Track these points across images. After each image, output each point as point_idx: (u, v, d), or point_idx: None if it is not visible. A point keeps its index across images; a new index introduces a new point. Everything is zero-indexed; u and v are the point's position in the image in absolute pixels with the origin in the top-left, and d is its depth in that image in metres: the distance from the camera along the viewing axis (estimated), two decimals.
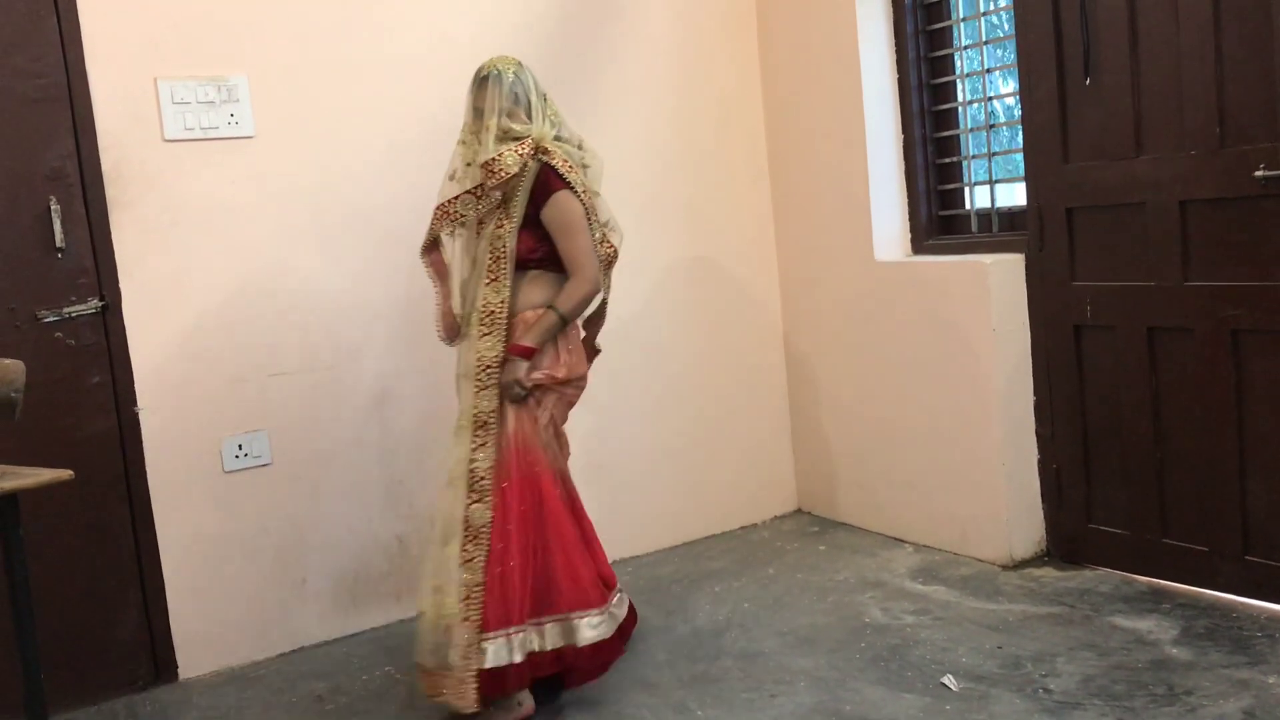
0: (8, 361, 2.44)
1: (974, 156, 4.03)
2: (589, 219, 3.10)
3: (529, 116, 3.08)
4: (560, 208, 3.03)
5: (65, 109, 3.27)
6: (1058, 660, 3.02)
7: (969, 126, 4.03)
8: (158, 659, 3.46)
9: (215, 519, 3.53)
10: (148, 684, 3.45)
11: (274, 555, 3.63)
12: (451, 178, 3.11)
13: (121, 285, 3.37)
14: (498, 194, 3.04)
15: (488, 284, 3.02)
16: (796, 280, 4.51)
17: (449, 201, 3.09)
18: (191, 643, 3.50)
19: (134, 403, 3.40)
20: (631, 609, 3.27)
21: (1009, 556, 3.75)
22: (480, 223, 3.11)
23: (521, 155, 3.00)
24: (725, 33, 4.43)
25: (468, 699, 2.85)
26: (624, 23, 4.21)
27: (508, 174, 2.98)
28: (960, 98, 4.04)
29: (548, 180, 3.03)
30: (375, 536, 3.80)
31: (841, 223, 4.22)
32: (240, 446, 3.56)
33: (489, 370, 2.98)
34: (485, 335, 3.00)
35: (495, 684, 2.86)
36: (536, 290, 3.06)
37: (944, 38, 4.05)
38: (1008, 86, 3.98)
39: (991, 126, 3.95)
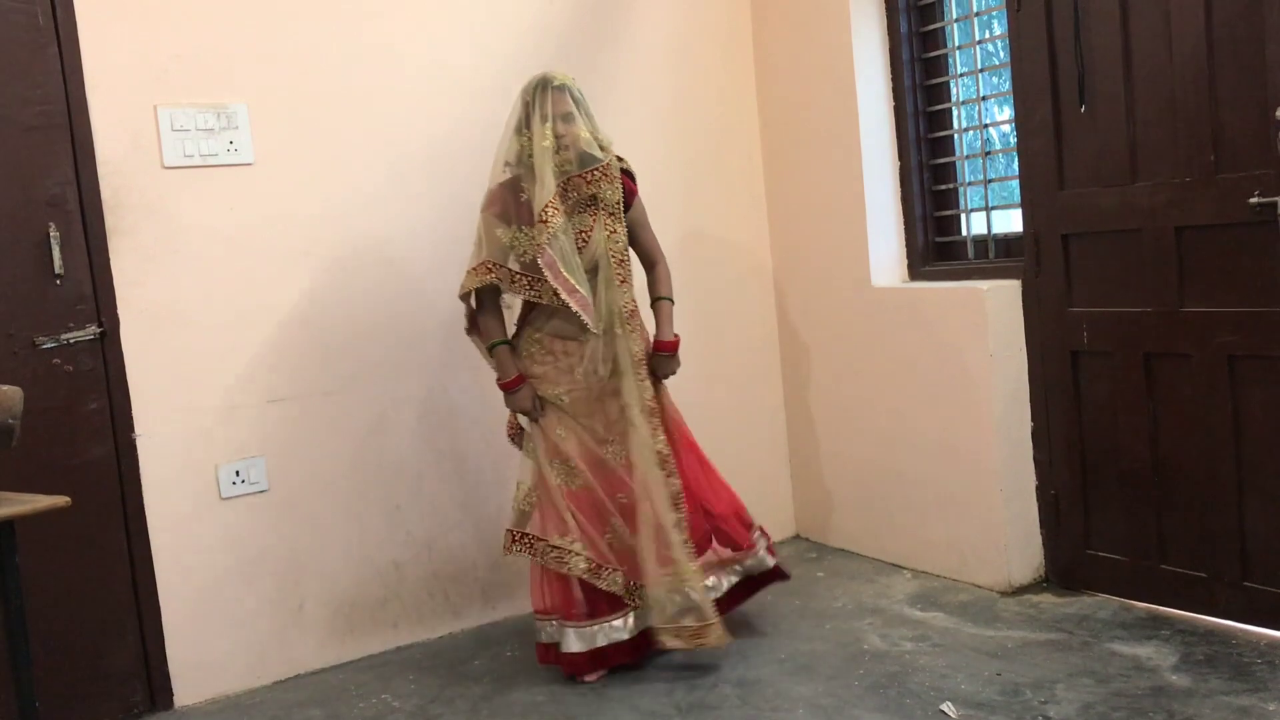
0: (5, 388, 2.44)
1: (970, 183, 4.04)
2: None
3: (594, 125, 3.41)
4: (641, 207, 3.55)
5: (65, 136, 3.29)
6: (1057, 687, 3.01)
7: (965, 153, 4.06)
8: (153, 686, 3.44)
9: (212, 546, 3.52)
10: (143, 711, 3.43)
11: (271, 582, 3.62)
12: (541, 184, 3.29)
13: (120, 312, 3.38)
14: (580, 194, 3.35)
15: (620, 285, 3.39)
16: (793, 306, 4.52)
17: (550, 204, 3.27)
18: (187, 670, 3.49)
19: (131, 429, 3.40)
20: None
21: (1007, 583, 3.74)
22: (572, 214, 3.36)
23: (618, 159, 3.43)
24: (720, 60, 4.46)
25: (723, 633, 3.34)
26: (620, 54, 4.24)
27: (616, 176, 3.38)
28: (956, 125, 4.06)
29: (629, 185, 3.48)
30: (373, 563, 3.79)
31: (838, 249, 4.23)
32: (237, 473, 3.55)
33: (642, 363, 3.43)
34: (632, 333, 3.42)
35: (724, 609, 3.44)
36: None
37: (940, 65, 4.08)
38: (1003, 114, 4.00)
39: (988, 153, 3.97)
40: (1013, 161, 3.79)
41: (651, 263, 3.61)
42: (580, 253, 3.33)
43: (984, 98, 3.97)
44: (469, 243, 3.88)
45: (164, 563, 3.45)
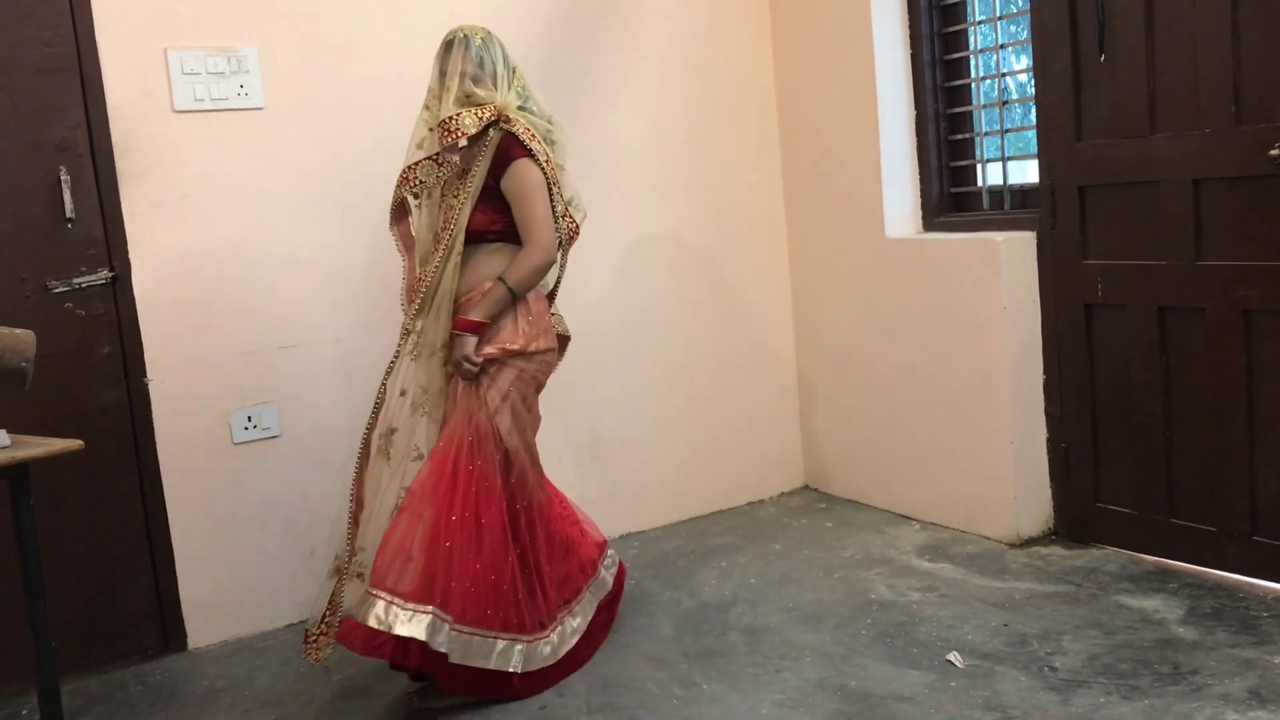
0: (18, 331, 2.45)
1: (986, 133, 4.00)
2: (550, 190, 3.04)
3: (494, 85, 3.03)
4: (518, 175, 2.97)
5: (75, 79, 3.27)
6: (1064, 638, 3.03)
7: (982, 103, 4.01)
8: (167, 628, 3.49)
9: (224, 490, 3.55)
10: (157, 653, 3.48)
11: (283, 527, 3.64)
12: (419, 146, 3.04)
13: (131, 256, 3.38)
14: (456, 160, 3.00)
15: (435, 255, 3.00)
16: (806, 257, 4.50)
17: (410, 167, 3.03)
18: (200, 612, 3.53)
19: (143, 374, 3.41)
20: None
21: (1016, 535, 3.75)
22: (443, 195, 3.06)
23: (481, 119, 2.95)
24: (737, 8, 4.40)
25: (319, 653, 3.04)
26: (634, 4, 4.18)
27: (464, 134, 2.93)
28: (973, 74, 4.01)
29: (508, 148, 2.98)
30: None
31: (852, 199, 4.20)
32: (249, 418, 3.57)
33: (421, 347, 3.01)
34: (420, 313, 3.00)
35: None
36: (495, 263, 3.02)
37: (958, 13, 4.02)
38: (1021, 63, 3.95)
39: (1005, 103, 3.93)
40: (1030, 111, 3.75)
41: (523, 242, 3.01)
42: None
43: (1002, 46, 3.91)
44: None
45: (177, 507, 3.48)
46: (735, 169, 4.44)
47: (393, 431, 3.05)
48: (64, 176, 3.26)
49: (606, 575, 3.30)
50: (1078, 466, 3.68)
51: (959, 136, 4.09)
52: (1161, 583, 3.33)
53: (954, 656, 2.98)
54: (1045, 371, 3.73)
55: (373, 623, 2.78)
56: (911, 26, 4.06)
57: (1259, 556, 3.20)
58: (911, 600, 3.40)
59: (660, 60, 4.24)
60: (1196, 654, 2.87)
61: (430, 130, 3.02)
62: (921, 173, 4.13)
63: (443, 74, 3.03)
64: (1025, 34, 3.74)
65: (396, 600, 2.79)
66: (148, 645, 3.46)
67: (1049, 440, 3.76)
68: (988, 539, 3.83)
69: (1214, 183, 3.17)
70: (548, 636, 3.02)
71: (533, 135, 3.01)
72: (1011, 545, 3.75)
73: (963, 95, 4.07)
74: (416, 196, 3.07)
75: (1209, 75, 3.13)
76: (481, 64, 3.02)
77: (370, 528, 3.03)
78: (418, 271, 3.05)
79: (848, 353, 4.35)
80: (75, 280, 3.30)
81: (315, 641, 3.03)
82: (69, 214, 3.27)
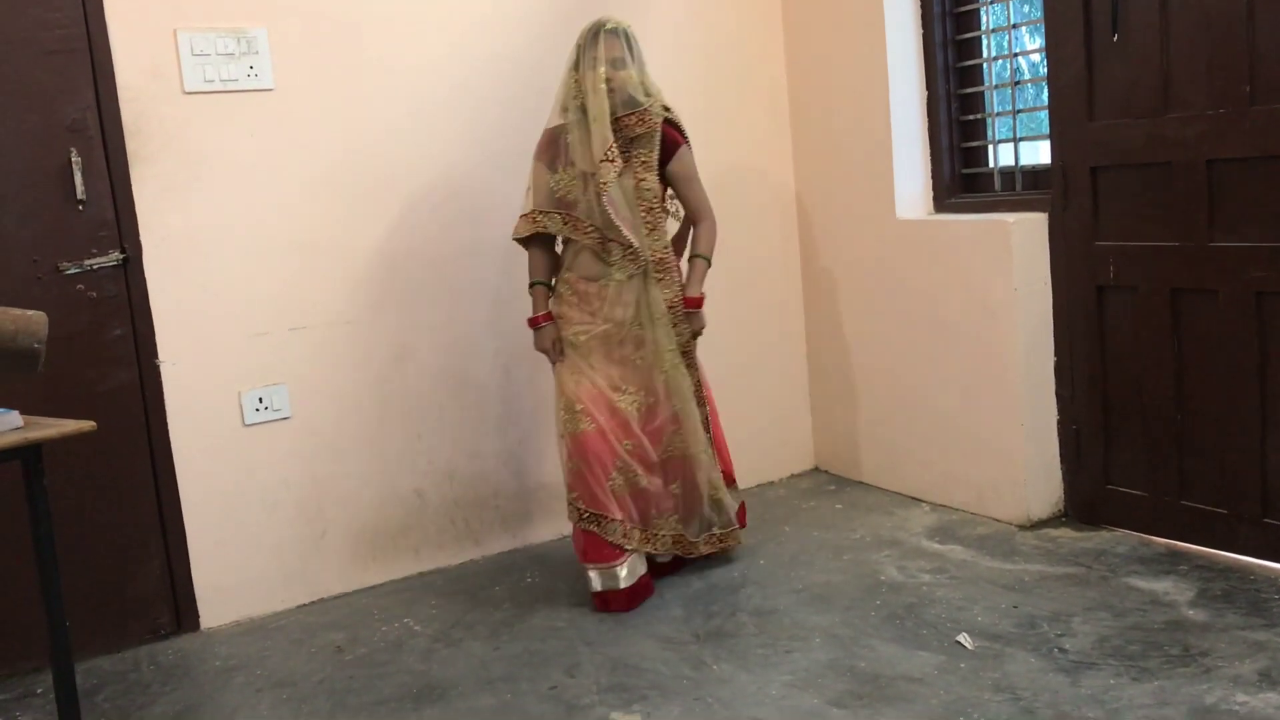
0: (31, 313, 2.45)
1: (998, 114, 3.98)
2: None
3: (645, 75, 3.41)
4: (685, 159, 3.46)
5: (85, 60, 3.27)
6: (1073, 620, 3.03)
7: (994, 83, 3.99)
8: (179, 609, 3.51)
9: (236, 472, 3.56)
10: (169, 633, 3.50)
11: (294, 508, 3.66)
12: (595, 120, 3.33)
13: (142, 238, 3.38)
14: (654, 149, 3.37)
15: (649, 234, 3.37)
16: (817, 237, 4.49)
17: (612, 145, 3.31)
18: (212, 593, 3.54)
19: (155, 355, 3.42)
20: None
21: (1026, 517, 3.75)
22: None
23: (661, 109, 3.38)
24: None
25: (740, 536, 3.70)
26: None
27: (655, 125, 3.35)
28: (985, 54, 3.99)
29: (673, 135, 3.42)
30: (394, 490, 3.83)
31: (863, 180, 4.18)
32: (260, 400, 3.58)
33: (676, 311, 3.43)
34: (661, 280, 3.41)
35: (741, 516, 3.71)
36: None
37: None
38: (1034, 43, 3.93)
39: (1017, 83, 3.90)
40: (1042, 92, 3.73)
41: (695, 219, 3.52)
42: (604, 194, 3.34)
43: (1014, 26, 3.89)
44: (492, 173, 3.88)
45: (189, 488, 3.49)
46: (745, 150, 4.42)
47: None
48: (75, 158, 3.26)
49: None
50: (1088, 448, 3.67)
51: (970, 117, 4.07)
52: (1172, 565, 3.33)
53: (963, 638, 2.98)
54: (1056, 353, 3.72)
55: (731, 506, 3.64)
56: (923, 6, 4.04)
57: (1270, 539, 3.20)
58: (921, 582, 3.40)
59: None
60: (1207, 636, 2.86)
61: (606, 113, 3.31)
62: (933, 153, 4.11)
63: (606, 60, 3.33)
64: (1038, 13, 3.72)
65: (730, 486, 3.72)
66: (160, 625, 3.49)
67: (1059, 422, 3.75)
68: (998, 521, 3.83)
69: (1227, 163, 3.15)
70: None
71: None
72: (1021, 527, 3.75)
73: (974, 75, 4.05)
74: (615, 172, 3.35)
75: (1223, 55, 3.11)
76: (636, 55, 3.40)
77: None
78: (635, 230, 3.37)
79: (858, 334, 4.35)
80: (87, 262, 3.30)
81: (719, 535, 3.62)
82: (80, 196, 3.27)
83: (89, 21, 3.26)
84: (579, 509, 3.39)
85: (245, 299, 3.55)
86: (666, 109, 3.42)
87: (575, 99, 3.38)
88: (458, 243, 3.85)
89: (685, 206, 3.53)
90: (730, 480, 3.69)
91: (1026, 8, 3.87)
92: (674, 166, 3.43)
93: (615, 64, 3.34)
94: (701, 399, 3.52)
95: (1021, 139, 3.89)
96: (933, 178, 4.12)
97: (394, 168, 3.75)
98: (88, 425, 2.51)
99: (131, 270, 3.37)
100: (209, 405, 3.51)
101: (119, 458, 3.38)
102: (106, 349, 3.35)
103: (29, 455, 2.43)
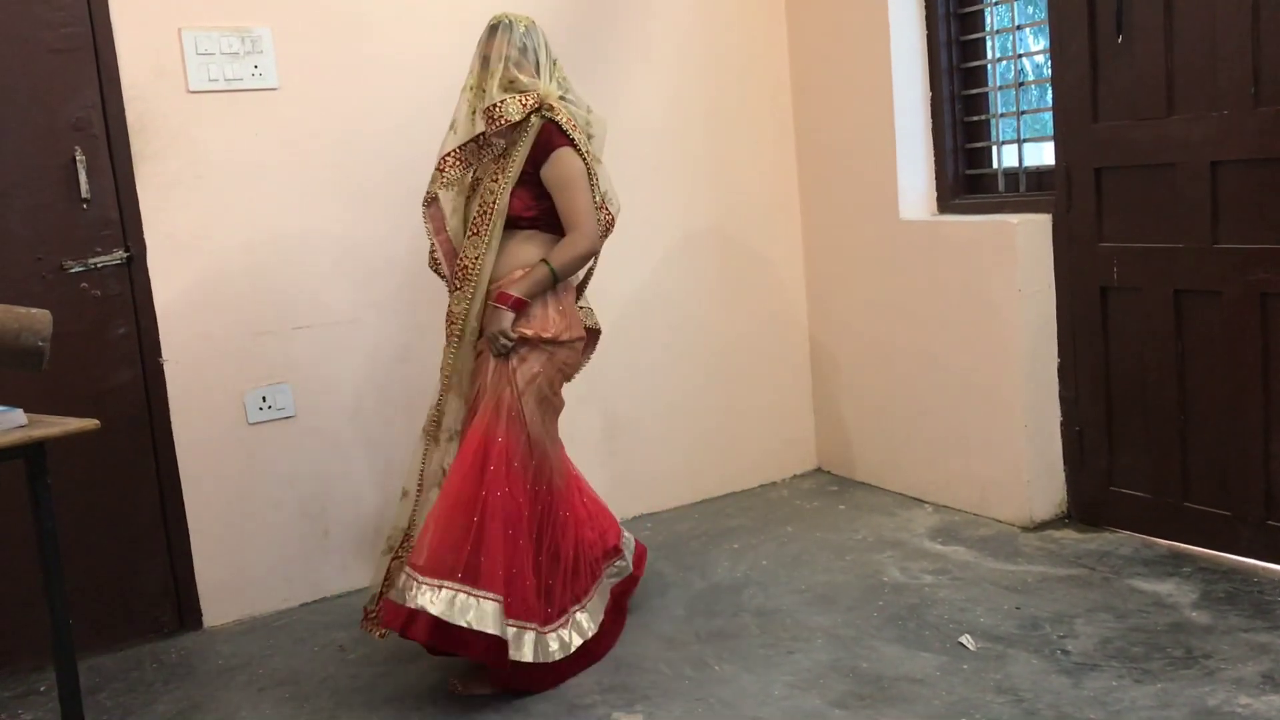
0: (35, 311, 2.45)
1: (1002, 115, 3.98)
2: (591, 180, 3.04)
3: (537, 73, 3.04)
4: (562, 164, 2.98)
5: (90, 59, 3.27)
6: (1076, 622, 3.03)
7: (998, 84, 3.98)
8: (182, 607, 3.51)
9: (239, 471, 3.56)
10: (173, 631, 3.50)
11: (297, 507, 3.66)
12: (453, 128, 3.07)
13: (146, 236, 3.39)
14: (500, 145, 2.99)
15: (469, 237, 3.01)
16: (820, 238, 4.49)
17: (452, 153, 3.04)
18: (216, 592, 3.55)
19: (159, 354, 3.43)
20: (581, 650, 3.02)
21: (1029, 518, 3.75)
22: (477, 180, 3.07)
23: (524, 106, 2.94)
24: None
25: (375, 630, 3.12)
26: None
27: (508, 121, 2.92)
28: (990, 55, 3.99)
29: (550, 137, 2.98)
30: (397, 489, 3.81)
31: (867, 180, 4.18)
32: (264, 399, 3.58)
33: (456, 326, 3.01)
34: (457, 290, 3.02)
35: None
36: (529, 249, 3.01)
37: None
38: (1038, 44, 3.93)
39: (1021, 84, 3.90)
40: (1046, 93, 3.73)
41: (567, 229, 3.01)
42: (468, 203, 3.09)
43: (1018, 27, 3.89)
44: None
45: (192, 486, 3.49)
46: (750, 151, 4.42)
47: (441, 414, 3.09)
48: (79, 157, 3.27)
49: (627, 558, 3.29)
50: (1091, 450, 3.67)
51: (975, 118, 4.07)
52: (1175, 567, 3.33)
53: (966, 639, 2.98)
54: (1060, 354, 3.72)
55: (394, 597, 2.81)
56: (927, 7, 4.04)
57: (1273, 541, 3.19)
58: (924, 583, 3.40)
59: (675, 43, 4.22)
60: (1209, 638, 2.86)
61: (473, 113, 3.02)
62: (937, 154, 4.11)
63: (485, 58, 3.03)
64: (1042, 15, 3.71)
65: (415, 575, 2.80)
66: (163, 623, 3.49)
67: (1063, 423, 3.75)
68: (1000, 522, 3.83)
69: (1232, 165, 3.14)
70: (555, 632, 2.96)
71: (574, 125, 3.02)
72: (1024, 528, 3.74)
73: (979, 76, 4.04)
74: (447, 188, 3.08)
75: (1228, 56, 3.11)
76: (524, 50, 3.03)
77: (422, 509, 3.05)
78: (458, 256, 3.06)
79: (861, 335, 4.35)
80: (91, 260, 3.31)
81: (374, 618, 3.10)
82: (84, 194, 3.28)
83: (94, 20, 3.27)
84: None
85: (249, 298, 3.55)
86: (546, 107, 2.97)
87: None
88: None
89: (560, 215, 3.02)
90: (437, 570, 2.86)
91: (1031, 9, 3.87)
92: (545, 170, 2.98)
93: (484, 62, 3.05)
94: (449, 433, 3.07)
95: (1026, 140, 3.89)
96: (937, 178, 4.12)
97: (398, 167, 3.74)
98: (91, 424, 2.52)
99: (135, 269, 3.37)
100: (212, 404, 3.51)
101: (122, 456, 3.38)
102: (110, 347, 3.35)
103: (33, 453, 2.44)
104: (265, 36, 3.51)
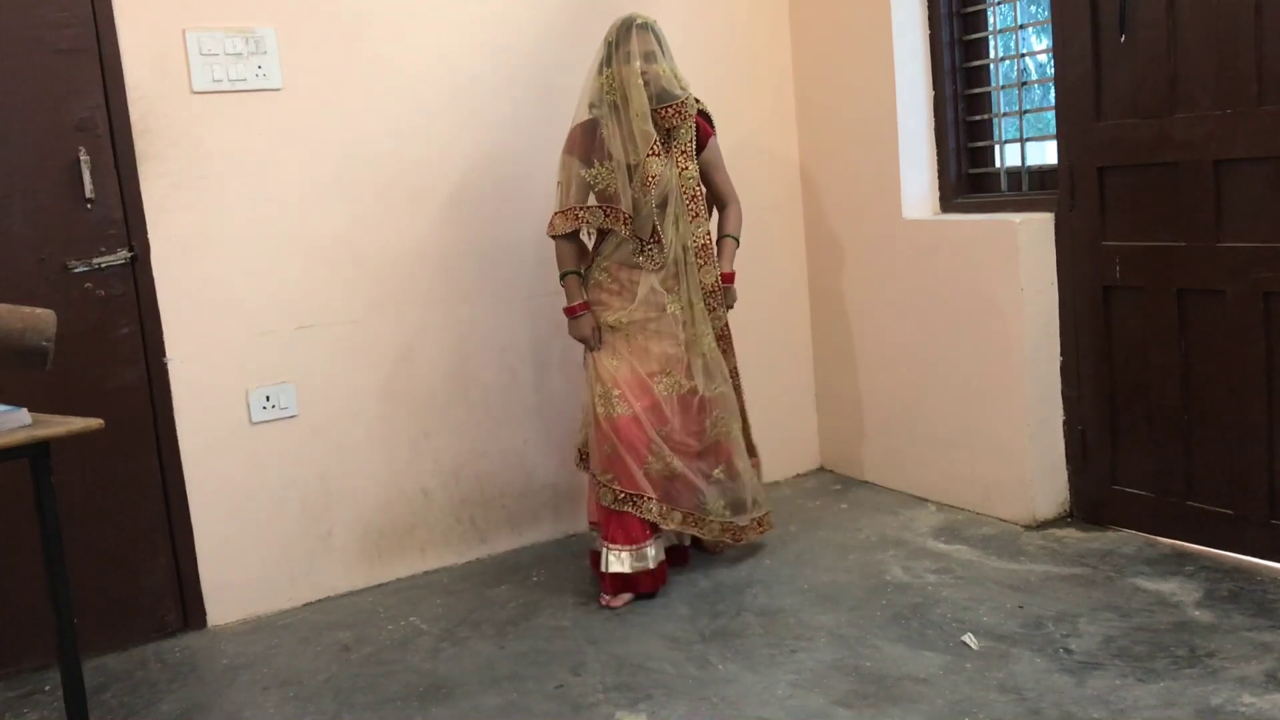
0: (39, 310, 2.45)
1: (1005, 114, 3.98)
2: None
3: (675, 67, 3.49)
4: (716, 148, 3.64)
5: (94, 60, 3.27)
6: (1079, 621, 3.03)
7: (1000, 83, 3.98)
8: (186, 606, 3.51)
9: (243, 470, 3.57)
10: (177, 631, 3.51)
11: (301, 506, 3.67)
12: (591, 108, 3.45)
13: (150, 236, 3.39)
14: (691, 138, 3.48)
15: (691, 221, 3.49)
16: (823, 237, 4.49)
17: (654, 144, 3.39)
18: (220, 591, 3.55)
19: (163, 354, 3.43)
20: None
21: (1032, 517, 3.75)
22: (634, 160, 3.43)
23: (695, 101, 3.49)
24: None
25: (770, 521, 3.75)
26: None
27: (692, 116, 3.46)
28: (992, 54, 3.99)
29: (703, 125, 3.56)
30: (401, 489, 3.83)
31: (869, 180, 4.18)
32: (267, 398, 3.59)
33: (714, 294, 3.55)
34: (704, 266, 3.53)
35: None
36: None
37: None
38: (1041, 43, 3.93)
39: (1023, 84, 3.90)
40: (1049, 92, 3.73)
41: (723, 204, 3.68)
42: (652, 187, 3.39)
43: (1021, 26, 3.89)
44: (500, 172, 3.87)
45: (196, 486, 3.50)
46: (752, 149, 4.42)
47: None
48: (83, 157, 3.27)
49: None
50: (1094, 449, 3.67)
51: (977, 117, 4.07)
52: (1178, 565, 3.33)
53: (969, 638, 2.98)
54: (1062, 353, 3.72)
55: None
56: (930, 6, 4.04)
57: (1277, 539, 3.19)
58: (927, 582, 3.40)
59: (677, 43, 4.19)
60: (1213, 637, 2.86)
61: (612, 99, 3.40)
62: (939, 154, 4.11)
63: (640, 55, 3.38)
64: (1045, 14, 3.71)
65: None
66: (167, 623, 3.49)
67: (1066, 422, 3.74)
68: (1003, 521, 3.83)
69: (1235, 164, 3.14)
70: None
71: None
72: (1027, 527, 3.74)
73: (981, 76, 4.05)
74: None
75: (1231, 55, 3.10)
76: (665, 49, 3.46)
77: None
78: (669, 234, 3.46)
79: (864, 334, 4.35)
80: (95, 260, 3.31)
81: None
82: (88, 194, 3.28)
83: (98, 21, 3.27)
84: (614, 491, 3.41)
85: (253, 297, 3.55)
86: (697, 100, 3.52)
87: (609, 94, 3.41)
88: (466, 241, 3.86)
89: (713, 192, 3.65)
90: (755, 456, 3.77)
91: (1034, 8, 3.87)
92: (706, 155, 3.57)
93: (649, 58, 3.39)
94: (738, 385, 3.65)
95: (1028, 139, 3.89)
96: (939, 178, 4.12)
97: (402, 166, 3.75)
98: (95, 423, 2.52)
99: (139, 268, 3.38)
100: (216, 403, 3.52)
101: (126, 456, 3.39)
102: (114, 347, 3.36)
103: (37, 453, 2.44)
104: (269, 37, 3.51)
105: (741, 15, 4.36)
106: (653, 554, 3.44)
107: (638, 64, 3.37)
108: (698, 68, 4.23)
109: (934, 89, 4.08)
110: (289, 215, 3.59)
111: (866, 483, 4.42)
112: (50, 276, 3.25)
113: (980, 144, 4.08)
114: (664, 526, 3.47)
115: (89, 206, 3.29)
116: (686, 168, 3.48)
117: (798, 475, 4.61)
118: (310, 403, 3.66)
